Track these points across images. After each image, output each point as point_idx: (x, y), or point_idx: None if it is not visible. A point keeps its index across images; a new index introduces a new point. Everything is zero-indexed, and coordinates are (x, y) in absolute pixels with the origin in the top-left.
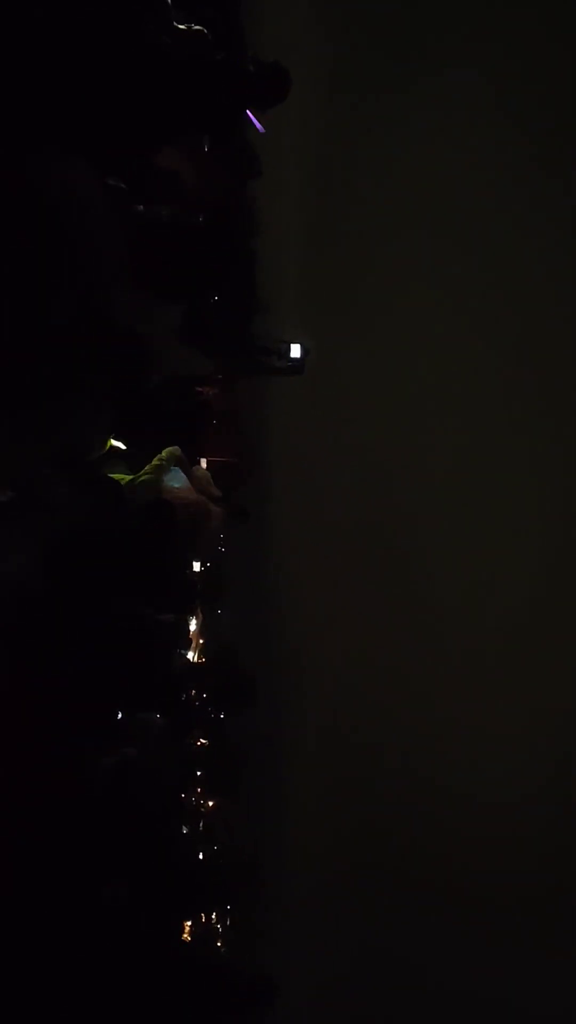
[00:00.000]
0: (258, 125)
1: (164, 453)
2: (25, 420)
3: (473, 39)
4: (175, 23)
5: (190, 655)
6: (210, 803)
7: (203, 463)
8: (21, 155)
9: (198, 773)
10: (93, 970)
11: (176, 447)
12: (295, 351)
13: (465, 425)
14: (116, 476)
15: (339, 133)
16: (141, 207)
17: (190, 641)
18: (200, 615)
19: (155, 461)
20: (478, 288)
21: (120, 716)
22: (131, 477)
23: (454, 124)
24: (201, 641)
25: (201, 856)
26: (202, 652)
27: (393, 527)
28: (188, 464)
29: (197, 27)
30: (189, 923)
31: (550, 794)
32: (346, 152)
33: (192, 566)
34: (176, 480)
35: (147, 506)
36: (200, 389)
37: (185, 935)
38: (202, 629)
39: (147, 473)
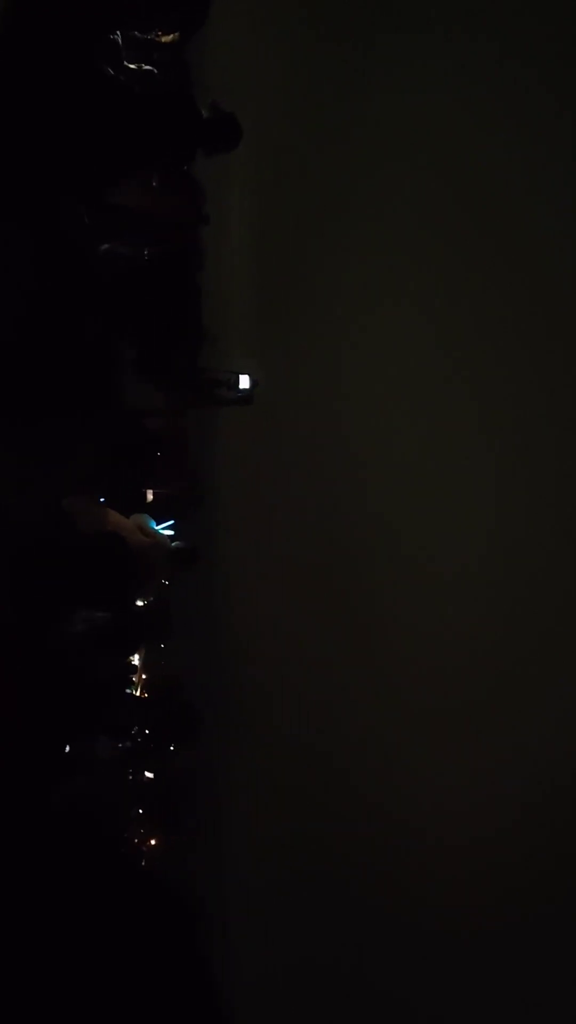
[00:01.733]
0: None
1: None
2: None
3: (429, 71)
4: (126, 63)
5: (134, 690)
6: (152, 841)
7: (149, 495)
8: None
9: (139, 811)
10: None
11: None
12: (244, 382)
13: (421, 456)
14: None
15: (291, 164)
16: (99, 242)
17: (134, 676)
18: (143, 649)
19: None
20: (432, 315)
21: (68, 748)
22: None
23: (410, 154)
24: (144, 676)
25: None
26: (145, 687)
27: (345, 558)
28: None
29: (148, 67)
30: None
31: (510, 834)
32: (298, 182)
33: (139, 601)
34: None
35: (97, 535)
36: (147, 421)
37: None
38: (146, 663)
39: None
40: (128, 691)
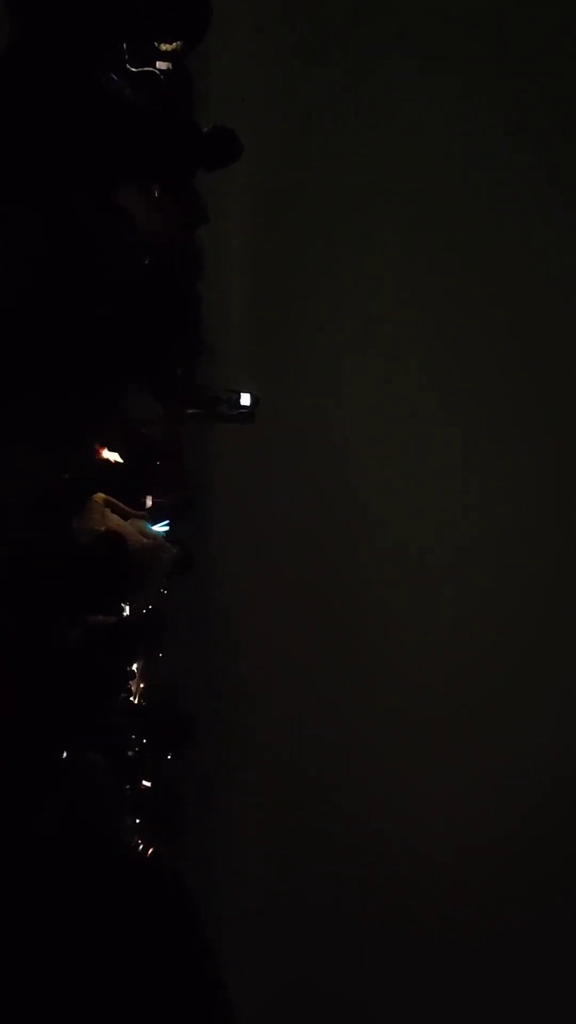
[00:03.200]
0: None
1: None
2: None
3: (430, 72)
4: (129, 67)
5: (131, 698)
6: (150, 850)
7: (148, 502)
8: None
9: (137, 820)
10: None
11: (100, 494)
12: (245, 399)
13: (418, 468)
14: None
15: (290, 176)
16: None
17: (132, 684)
18: (140, 657)
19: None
20: (432, 329)
21: (63, 756)
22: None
23: (409, 171)
24: (142, 685)
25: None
26: (142, 695)
27: (341, 565)
28: (120, 509)
29: (149, 69)
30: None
31: (507, 842)
32: (297, 196)
33: (141, 608)
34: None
35: (97, 537)
36: (144, 429)
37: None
38: (143, 671)
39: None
40: (125, 698)
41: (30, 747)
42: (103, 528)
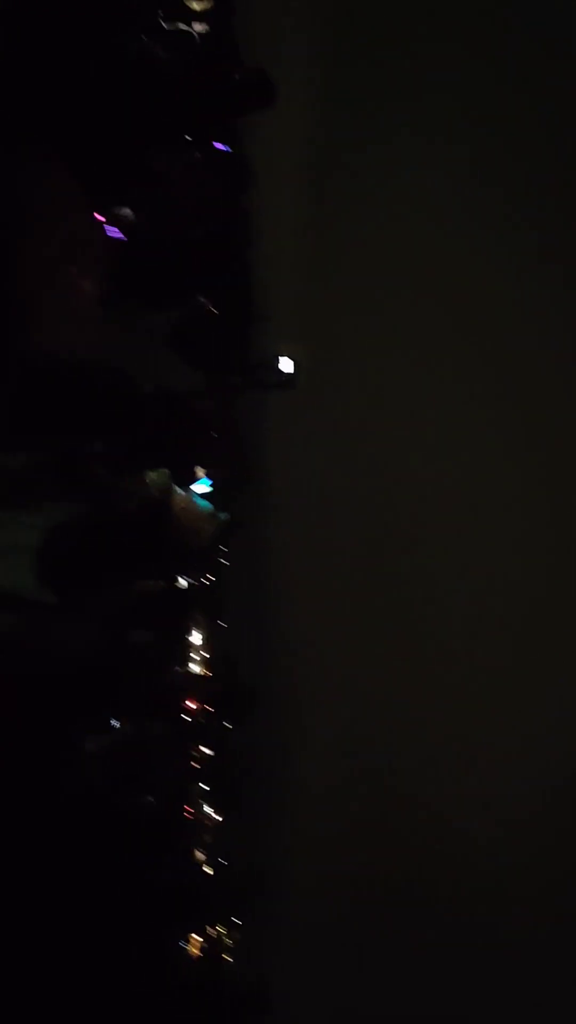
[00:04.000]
0: (221, 146)
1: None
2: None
3: (478, 34)
4: (163, 24)
5: (193, 667)
6: (215, 816)
7: (200, 473)
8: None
9: (205, 787)
10: (89, 981)
11: (165, 470)
12: (286, 365)
13: (470, 435)
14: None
15: (339, 140)
16: (130, 214)
17: (192, 653)
18: (202, 628)
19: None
20: (482, 298)
21: (116, 723)
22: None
23: (459, 130)
24: (205, 654)
25: (209, 870)
26: (205, 664)
27: (396, 539)
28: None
29: (185, 28)
30: (197, 937)
31: (564, 812)
32: (346, 159)
33: (190, 577)
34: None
35: (145, 501)
36: (196, 401)
37: (194, 948)
38: (205, 641)
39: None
40: (186, 668)
41: (80, 713)
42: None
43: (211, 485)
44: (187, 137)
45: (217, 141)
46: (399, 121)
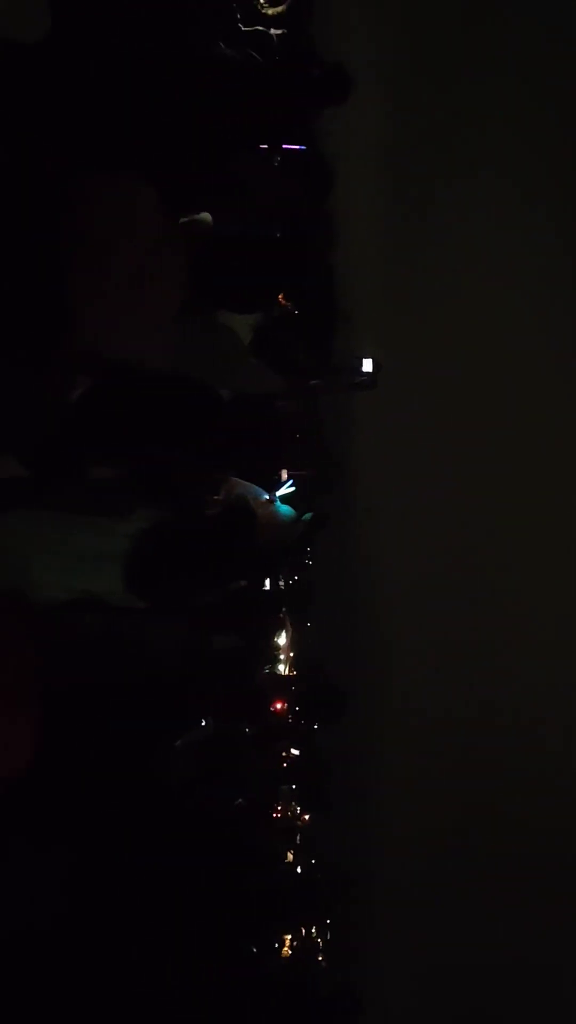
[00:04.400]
0: (299, 147)
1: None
2: None
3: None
4: (240, 25)
5: (280, 668)
6: (305, 816)
7: (284, 475)
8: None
9: (292, 787)
10: (177, 983)
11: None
12: (367, 366)
13: (560, 431)
14: None
15: (418, 138)
16: (209, 219)
17: (280, 653)
18: (289, 628)
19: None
20: (571, 295)
21: (204, 724)
22: None
23: (542, 125)
24: (292, 654)
25: (299, 870)
26: (292, 664)
27: (485, 537)
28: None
29: (261, 29)
30: (289, 937)
31: None
32: (425, 158)
33: (272, 579)
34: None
35: (226, 507)
36: (279, 403)
37: (286, 949)
38: (292, 642)
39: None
40: (273, 669)
41: (170, 713)
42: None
43: (294, 487)
44: (265, 140)
45: (296, 143)
46: (479, 117)
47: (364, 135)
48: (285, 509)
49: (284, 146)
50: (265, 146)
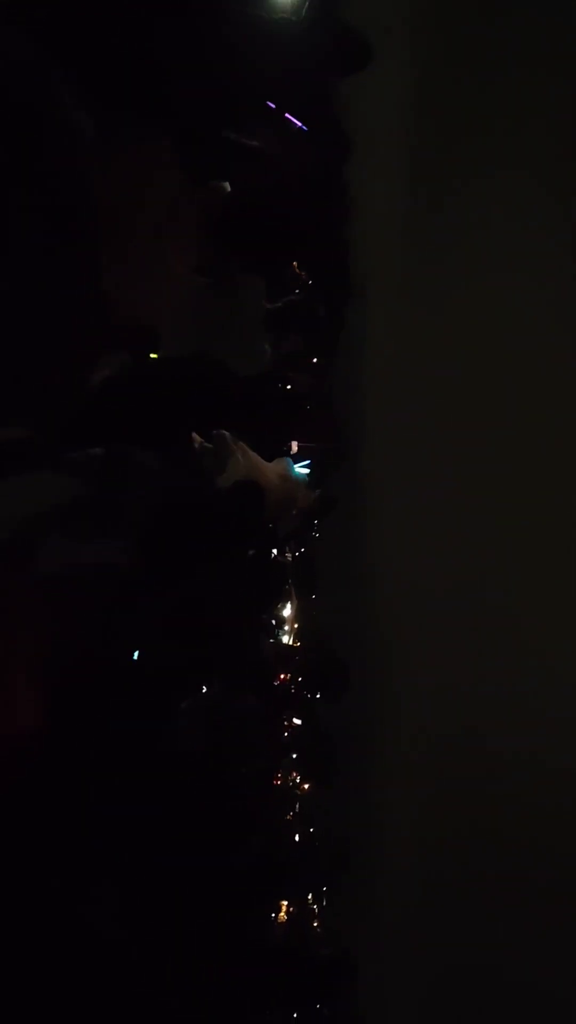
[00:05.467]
0: (296, 122)
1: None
2: None
3: None
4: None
5: (285, 639)
6: (305, 786)
7: (294, 447)
8: None
9: (293, 756)
10: (174, 948)
11: (224, 432)
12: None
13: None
14: None
15: (439, 111)
16: (226, 187)
17: (284, 625)
18: (294, 600)
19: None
20: None
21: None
22: None
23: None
24: (296, 625)
25: (297, 838)
26: (296, 636)
27: (493, 515)
28: (245, 450)
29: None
30: (285, 903)
31: None
32: (446, 131)
33: (279, 551)
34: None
35: (236, 485)
36: (289, 375)
37: (282, 915)
38: (296, 613)
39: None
40: (278, 640)
41: (174, 680)
42: (239, 471)
43: (305, 463)
44: (282, 104)
45: (313, 113)
46: (503, 90)
47: (386, 109)
48: (301, 476)
49: (288, 117)
50: (281, 112)
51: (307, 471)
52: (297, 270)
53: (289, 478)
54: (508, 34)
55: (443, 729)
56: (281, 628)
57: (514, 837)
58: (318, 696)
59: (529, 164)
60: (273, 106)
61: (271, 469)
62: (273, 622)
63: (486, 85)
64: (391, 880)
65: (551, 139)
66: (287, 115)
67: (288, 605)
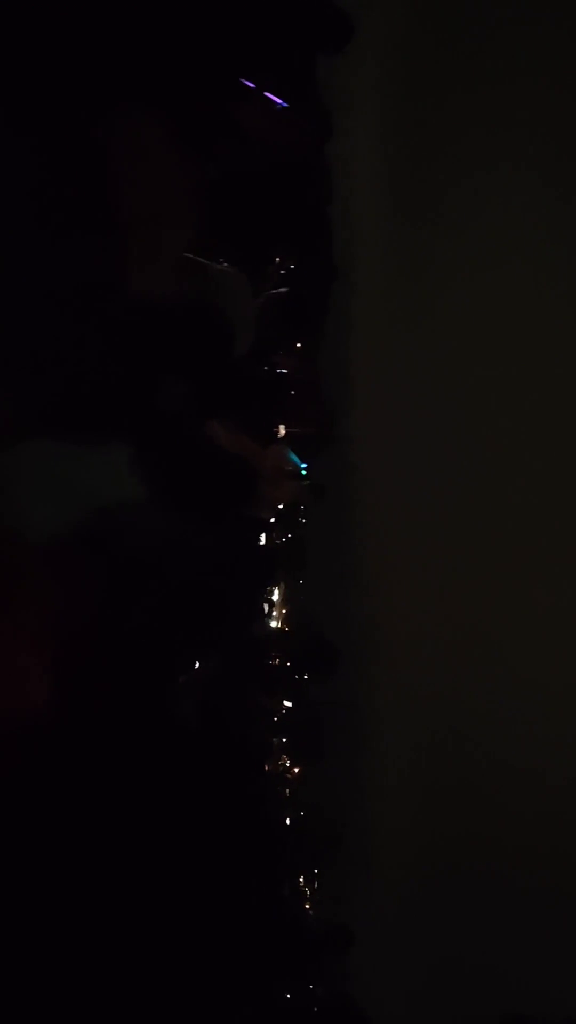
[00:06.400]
0: (278, 101)
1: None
2: None
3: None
4: None
5: (273, 623)
6: (295, 769)
7: (281, 431)
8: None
9: (283, 740)
10: (171, 924)
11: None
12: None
13: (568, 399)
14: None
15: (423, 91)
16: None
17: (274, 610)
18: (283, 584)
19: None
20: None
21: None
22: None
23: (555, 73)
24: (284, 610)
25: (288, 821)
26: (285, 620)
27: (483, 500)
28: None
29: None
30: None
31: None
32: (430, 111)
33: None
34: None
35: (229, 464)
36: (277, 358)
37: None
38: (285, 597)
39: None
40: (267, 623)
41: (168, 660)
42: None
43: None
44: (264, 81)
45: (296, 92)
46: (487, 70)
47: (367, 88)
48: (296, 460)
49: (267, 95)
50: (262, 91)
51: (303, 467)
52: (281, 253)
53: (288, 463)
54: (491, 12)
55: (432, 710)
56: (271, 612)
57: (504, 816)
58: (307, 677)
59: (516, 144)
60: (253, 85)
61: (266, 455)
62: (265, 606)
63: (470, 64)
64: (383, 860)
65: (537, 120)
66: (267, 94)
67: (276, 590)
